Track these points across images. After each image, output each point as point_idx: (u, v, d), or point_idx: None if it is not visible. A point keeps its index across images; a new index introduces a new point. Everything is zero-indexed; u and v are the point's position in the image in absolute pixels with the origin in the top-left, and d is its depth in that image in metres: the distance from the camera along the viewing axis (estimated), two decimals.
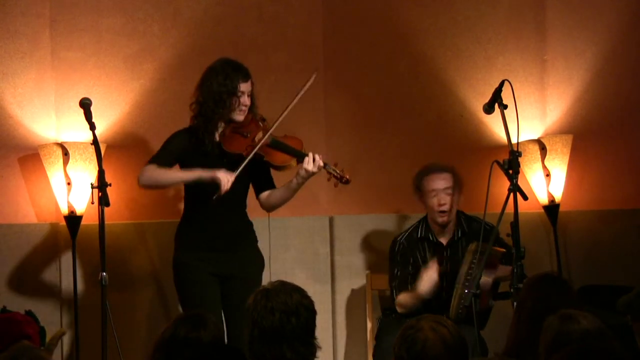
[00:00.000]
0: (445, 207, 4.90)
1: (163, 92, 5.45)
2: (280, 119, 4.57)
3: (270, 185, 4.72)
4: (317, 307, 3.22)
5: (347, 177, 4.55)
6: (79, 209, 5.24)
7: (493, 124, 5.63)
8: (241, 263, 4.63)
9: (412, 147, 5.68)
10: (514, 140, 4.39)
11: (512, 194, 4.31)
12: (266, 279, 3.40)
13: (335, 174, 4.55)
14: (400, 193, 5.59)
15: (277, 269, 5.48)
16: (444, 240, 4.99)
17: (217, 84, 4.54)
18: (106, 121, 5.41)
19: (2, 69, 5.33)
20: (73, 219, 5.24)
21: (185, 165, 4.62)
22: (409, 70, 5.75)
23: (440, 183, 4.92)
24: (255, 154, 4.51)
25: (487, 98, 4.57)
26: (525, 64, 5.76)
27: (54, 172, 5.24)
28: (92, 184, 4.30)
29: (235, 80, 4.55)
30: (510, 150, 4.37)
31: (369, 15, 5.74)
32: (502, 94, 4.51)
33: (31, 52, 5.38)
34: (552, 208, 5.61)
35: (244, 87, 4.57)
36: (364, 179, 5.66)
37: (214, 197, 4.42)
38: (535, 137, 5.67)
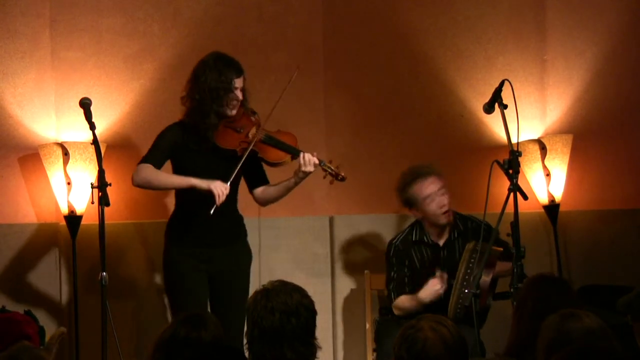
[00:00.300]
0: (447, 207, 4.89)
1: (163, 92, 5.46)
2: (271, 113, 4.56)
3: (264, 181, 4.71)
4: (317, 307, 3.22)
5: (343, 174, 4.55)
6: (79, 209, 5.25)
7: (493, 124, 5.63)
8: (231, 258, 4.63)
9: (412, 147, 5.67)
10: (514, 140, 4.38)
11: (512, 194, 4.31)
12: (265, 279, 3.39)
13: (331, 171, 4.54)
14: None
15: (276, 268, 5.49)
16: (440, 242, 4.98)
17: (213, 80, 4.53)
18: (106, 121, 5.42)
19: (2, 69, 5.33)
20: (73, 219, 5.25)
21: (177, 160, 4.61)
22: (409, 70, 5.75)
23: (431, 187, 4.88)
24: (249, 150, 4.50)
25: (487, 98, 4.57)
26: (526, 64, 5.76)
27: (54, 172, 5.24)
28: (92, 184, 4.29)
29: (230, 76, 4.55)
30: (510, 150, 4.36)
31: (369, 15, 5.75)
32: (502, 94, 4.50)
33: (31, 52, 5.38)
34: (552, 208, 5.61)
35: (238, 82, 4.57)
36: (364, 179, 5.66)
37: (211, 212, 4.39)
38: (536, 137, 5.67)
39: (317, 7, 5.72)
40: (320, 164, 4.53)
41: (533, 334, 3.23)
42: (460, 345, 2.99)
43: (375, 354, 5.06)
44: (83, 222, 5.26)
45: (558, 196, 5.61)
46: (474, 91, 5.69)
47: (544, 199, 5.62)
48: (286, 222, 5.59)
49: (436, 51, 5.74)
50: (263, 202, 4.74)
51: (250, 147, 4.50)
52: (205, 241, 4.58)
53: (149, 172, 4.53)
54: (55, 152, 5.24)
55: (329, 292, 5.62)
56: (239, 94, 4.58)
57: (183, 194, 4.61)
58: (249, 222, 4.78)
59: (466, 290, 4.56)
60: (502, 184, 4.41)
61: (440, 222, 4.91)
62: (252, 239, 4.75)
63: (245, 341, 3.22)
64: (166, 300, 5.06)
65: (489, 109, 4.57)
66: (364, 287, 5.53)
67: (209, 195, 4.41)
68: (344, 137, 5.72)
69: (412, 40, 5.73)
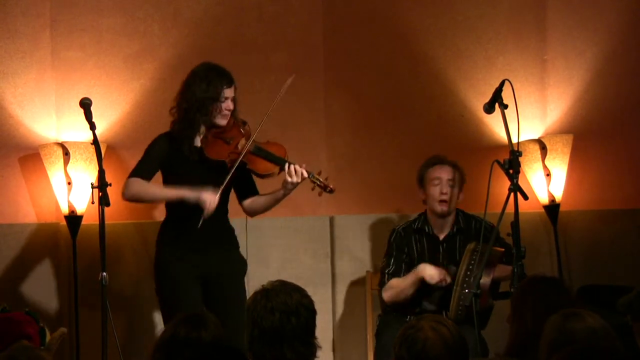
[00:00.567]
0: (446, 197, 4.93)
1: (163, 92, 5.45)
2: (262, 124, 4.51)
3: (253, 192, 4.68)
4: (317, 307, 3.22)
5: (331, 186, 4.53)
6: (80, 209, 5.25)
7: (493, 124, 5.63)
8: (224, 262, 4.60)
9: (412, 147, 5.67)
10: (514, 140, 4.39)
11: (512, 194, 4.31)
12: (265, 278, 3.39)
13: (319, 183, 4.52)
14: (400, 193, 5.60)
15: (276, 268, 5.49)
16: (440, 235, 5.00)
17: (200, 90, 4.50)
18: (106, 121, 5.42)
19: (2, 69, 5.33)
20: (73, 219, 5.25)
21: (166, 171, 4.59)
22: (409, 70, 5.75)
23: (444, 173, 4.97)
24: (238, 162, 4.48)
25: (487, 98, 4.58)
26: (526, 64, 5.76)
27: (55, 171, 5.24)
28: (92, 184, 4.29)
29: (219, 86, 4.51)
30: (510, 150, 4.37)
31: (369, 15, 5.74)
32: (503, 94, 4.51)
33: (31, 51, 5.38)
34: (552, 208, 5.61)
35: (228, 92, 4.54)
36: (364, 179, 5.66)
37: (199, 224, 4.38)
38: (536, 137, 5.68)
39: (317, 7, 5.72)
40: (309, 175, 4.51)
41: (533, 334, 3.24)
42: (461, 345, 2.99)
43: (374, 348, 5.08)
44: (83, 222, 5.27)
45: (558, 196, 5.61)
46: (474, 91, 5.69)
47: (544, 199, 5.63)
48: (286, 222, 5.59)
49: (436, 51, 5.74)
50: (251, 213, 4.72)
51: (240, 159, 4.49)
52: (197, 247, 4.55)
53: (138, 186, 4.51)
54: (55, 152, 5.24)
55: (329, 292, 5.62)
56: (229, 104, 4.55)
57: (173, 202, 4.58)
58: (248, 222, 4.78)
59: (467, 291, 4.57)
60: (503, 183, 4.42)
61: (436, 210, 4.96)
62: (250, 240, 4.76)
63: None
64: None
65: (489, 109, 4.57)
66: (364, 287, 5.53)
67: (199, 205, 4.40)
68: (344, 137, 5.72)
69: (412, 40, 5.73)
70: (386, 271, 4.98)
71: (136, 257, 5.43)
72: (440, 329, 2.97)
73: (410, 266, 4.93)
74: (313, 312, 3.19)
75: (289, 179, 4.47)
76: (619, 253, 5.71)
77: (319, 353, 3.19)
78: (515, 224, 4.27)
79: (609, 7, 5.80)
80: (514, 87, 4.50)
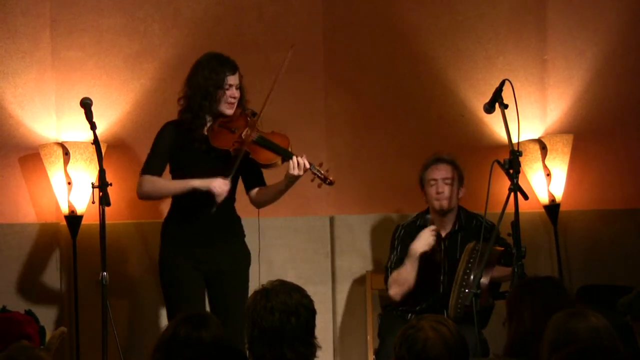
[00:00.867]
0: (441, 195, 4.94)
1: (163, 92, 5.45)
2: (265, 108, 4.54)
3: (261, 182, 4.71)
4: (317, 307, 3.22)
5: (331, 178, 4.53)
6: (80, 209, 5.25)
7: (493, 124, 5.63)
8: (229, 258, 4.62)
9: (412, 147, 5.68)
10: (514, 140, 4.39)
11: (512, 194, 4.31)
12: (265, 278, 3.39)
13: (320, 175, 4.52)
14: (400, 193, 5.60)
15: (276, 268, 5.49)
16: (442, 232, 5.01)
17: (203, 78, 4.54)
18: (107, 121, 5.42)
19: (2, 69, 5.33)
20: (73, 219, 5.25)
21: (175, 160, 4.62)
22: (409, 70, 5.75)
23: (439, 173, 4.98)
24: (242, 151, 4.50)
25: (487, 98, 4.58)
26: (526, 64, 5.76)
27: (55, 171, 5.24)
28: (92, 184, 4.30)
29: (221, 73, 4.54)
30: (510, 149, 4.37)
31: (369, 15, 5.74)
32: (503, 94, 4.51)
33: (32, 51, 5.38)
34: (552, 208, 5.61)
35: (232, 79, 4.56)
36: (364, 179, 5.66)
37: (212, 210, 4.42)
38: (536, 137, 5.68)
39: (317, 7, 5.72)
40: (310, 167, 4.52)
41: (532, 333, 3.24)
42: (461, 345, 2.99)
43: (377, 348, 5.07)
44: (83, 222, 5.27)
45: (558, 196, 5.61)
46: (475, 91, 5.69)
47: (544, 199, 5.63)
48: (286, 222, 5.59)
49: (436, 51, 5.74)
50: (257, 204, 4.73)
51: (244, 148, 4.50)
52: (202, 240, 4.57)
53: (150, 184, 4.56)
54: (55, 152, 5.24)
55: (329, 292, 5.62)
56: (234, 91, 4.57)
57: (180, 193, 4.61)
58: (249, 222, 4.77)
59: (466, 290, 4.57)
60: (503, 183, 4.42)
61: (434, 206, 4.98)
62: (252, 239, 4.74)
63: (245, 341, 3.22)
64: None
65: (489, 108, 4.57)
66: (364, 287, 5.53)
67: (210, 193, 4.41)
68: (344, 137, 5.72)
69: (412, 40, 5.73)
70: (387, 265, 4.99)
71: (136, 257, 5.43)
72: (440, 328, 2.97)
73: None
74: (313, 312, 3.19)
75: (291, 172, 4.48)
76: (619, 253, 5.71)
77: (319, 353, 3.19)
78: (516, 223, 4.27)
79: (609, 7, 5.80)
80: (514, 87, 4.50)
